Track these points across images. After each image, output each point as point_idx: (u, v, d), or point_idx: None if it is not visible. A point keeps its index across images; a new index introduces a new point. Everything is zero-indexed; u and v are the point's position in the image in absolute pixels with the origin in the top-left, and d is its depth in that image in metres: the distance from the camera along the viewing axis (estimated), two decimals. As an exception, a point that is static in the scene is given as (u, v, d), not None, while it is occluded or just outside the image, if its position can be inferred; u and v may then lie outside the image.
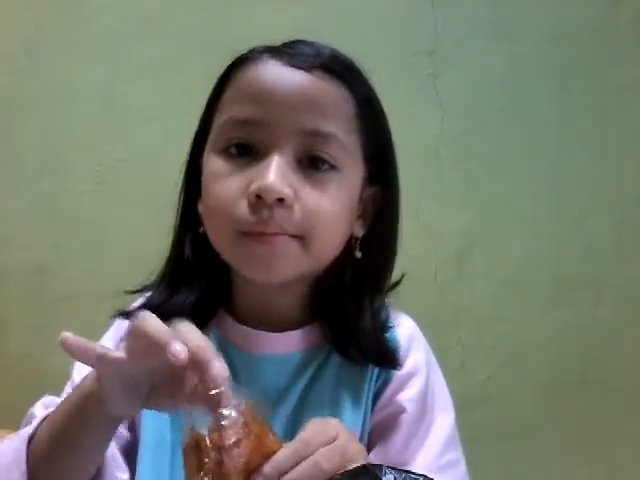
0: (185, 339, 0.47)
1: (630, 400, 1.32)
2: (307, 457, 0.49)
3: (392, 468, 0.48)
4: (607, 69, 1.31)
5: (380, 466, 0.48)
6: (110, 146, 1.28)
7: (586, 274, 1.32)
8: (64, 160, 1.29)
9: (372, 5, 1.30)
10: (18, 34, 1.29)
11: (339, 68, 0.66)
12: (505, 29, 1.31)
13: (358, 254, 0.69)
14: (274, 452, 0.49)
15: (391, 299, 0.75)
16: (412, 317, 0.76)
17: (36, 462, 0.57)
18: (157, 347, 0.47)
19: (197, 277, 0.70)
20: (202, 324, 0.65)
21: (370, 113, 0.68)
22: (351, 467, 0.51)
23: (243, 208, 0.61)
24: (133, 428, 0.66)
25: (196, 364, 0.47)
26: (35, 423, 0.60)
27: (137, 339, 0.49)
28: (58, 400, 0.65)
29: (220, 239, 0.66)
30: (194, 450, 0.48)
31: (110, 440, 0.58)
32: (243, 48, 0.69)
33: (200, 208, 0.69)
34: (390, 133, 0.71)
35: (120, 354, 0.49)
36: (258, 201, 0.60)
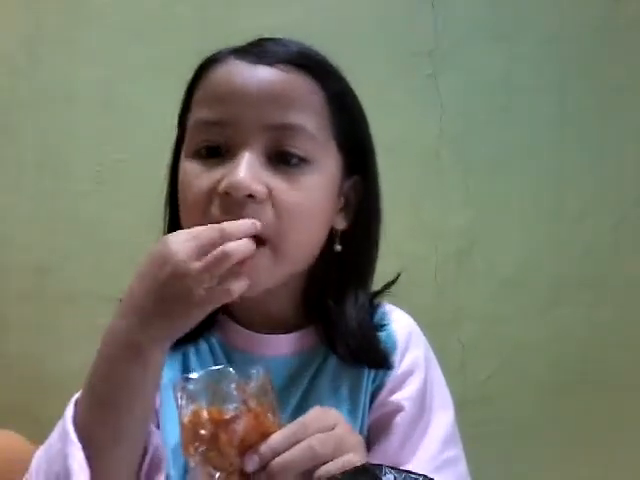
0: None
1: (630, 400, 1.32)
2: (301, 441, 0.50)
3: (392, 468, 0.48)
4: (607, 69, 1.31)
5: (380, 466, 0.48)
6: (110, 146, 1.28)
7: (586, 274, 1.32)
8: (64, 160, 1.29)
9: (372, 5, 1.30)
10: (18, 34, 1.29)
11: (305, 62, 0.65)
12: (505, 29, 1.31)
13: (337, 247, 0.68)
14: (272, 432, 0.50)
15: (387, 298, 0.75)
16: (412, 317, 0.76)
17: (85, 433, 0.55)
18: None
19: None
20: (204, 329, 0.66)
21: (342, 104, 0.67)
22: (348, 455, 0.51)
23: (215, 207, 0.61)
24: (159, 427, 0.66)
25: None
26: (71, 406, 0.58)
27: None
28: None
29: None
30: (192, 423, 0.49)
31: (154, 391, 0.57)
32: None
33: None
34: (367, 124, 0.70)
35: None
36: (228, 199, 0.59)
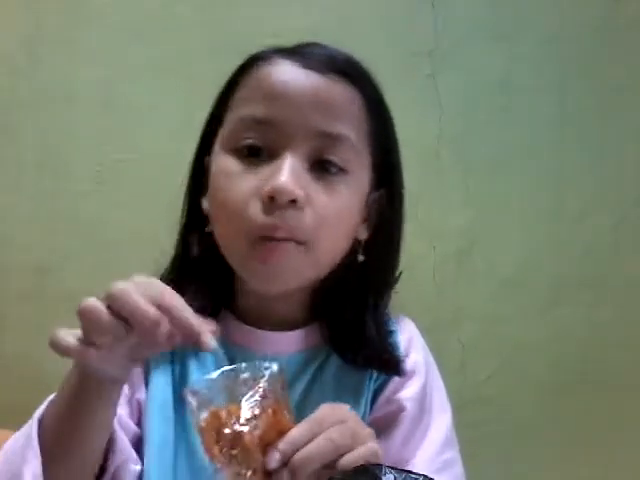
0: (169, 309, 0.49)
1: (630, 400, 1.32)
2: (320, 434, 0.50)
3: (392, 468, 0.48)
4: (607, 69, 1.31)
5: (380, 466, 0.48)
6: (110, 146, 1.28)
7: (586, 274, 1.32)
8: (64, 160, 1.29)
9: (372, 5, 1.30)
10: (18, 34, 1.29)
11: (352, 72, 0.66)
12: (505, 29, 1.31)
13: (360, 258, 0.69)
14: (288, 429, 0.50)
15: (390, 300, 0.75)
16: (412, 317, 0.76)
17: (47, 443, 0.56)
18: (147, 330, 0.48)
19: (203, 277, 0.70)
20: None
21: (380, 118, 0.68)
22: (366, 444, 0.52)
23: (255, 209, 0.61)
24: (139, 424, 0.66)
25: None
26: (43, 406, 0.59)
27: (131, 316, 0.49)
28: None
29: (229, 242, 0.65)
30: (211, 424, 0.48)
31: (114, 407, 0.58)
32: (243, 49, 0.69)
33: (205, 206, 0.68)
34: (397, 139, 0.71)
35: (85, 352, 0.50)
36: (271, 202, 0.60)
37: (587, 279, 1.32)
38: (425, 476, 0.48)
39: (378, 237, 0.71)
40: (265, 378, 0.50)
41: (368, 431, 0.55)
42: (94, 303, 0.49)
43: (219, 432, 0.48)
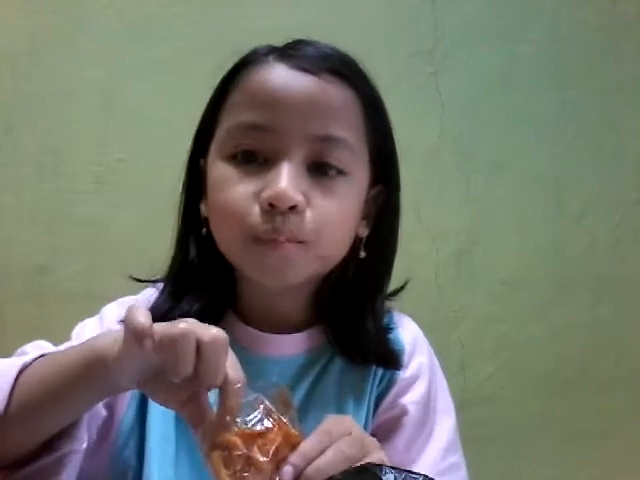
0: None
1: (630, 400, 1.32)
2: (329, 446, 0.50)
3: (392, 467, 0.48)
4: (607, 69, 1.31)
5: (380, 466, 0.48)
6: (110, 146, 1.28)
7: (585, 274, 1.32)
8: (64, 160, 1.29)
9: (372, 5, 1.30)
10: (18, 34, 1.29)
11: (346, 71, 0.65)
12: (505, 29, 1.31)
13: (362, 254, 0.69)
14: (297, 443, 0.50)
15: (393, 301, 0.75)
16: (412, 317, 0.76)
17: (20, 393, 0.55)
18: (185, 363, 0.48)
19: (203, 280, 0.69)
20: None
21: (376, 115, 0.68)
22: (374, 454, 0.52)
23: (255, 214, 0.61)
24: (110, 406, 0.65)
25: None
26: (32, 356, 0.58)
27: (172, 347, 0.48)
28: (51, 346, 0.65)
29: (230, 244, 0.65)
30: (221, 447, 0.48)
31: (97, 402, 0.58)
32: (243, 48, 0.69)
33: (203, 210, 0.68)
34: (393, 134, 0.71)
35: (150, 343, 0.48)
36: (271, 209, 0.60)
37: (587, 279, 1.32)
38: (425, 476, 0.48)
39: (377, 232, 0.70)
40: (268, 397, 0.51)
41: (373, 440, 0.55)
42: (192, 335, 0.48)
43: (228, 456, 0.48)
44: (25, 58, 1.29)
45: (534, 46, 1.31)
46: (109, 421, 0.65)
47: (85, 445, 0.59)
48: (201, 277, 0.69)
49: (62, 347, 0.64)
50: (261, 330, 0.69)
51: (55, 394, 0.55)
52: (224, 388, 0.50)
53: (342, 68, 0.65)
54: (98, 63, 1.28)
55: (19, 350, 0.65)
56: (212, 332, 0.49)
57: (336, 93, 0.64)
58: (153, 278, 0.72)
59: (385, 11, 1.30)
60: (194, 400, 0.51)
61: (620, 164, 1.32)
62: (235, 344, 0.68)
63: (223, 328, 0.65)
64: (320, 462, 0.49)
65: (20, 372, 0.56)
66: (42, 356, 0.59)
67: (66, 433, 0.57)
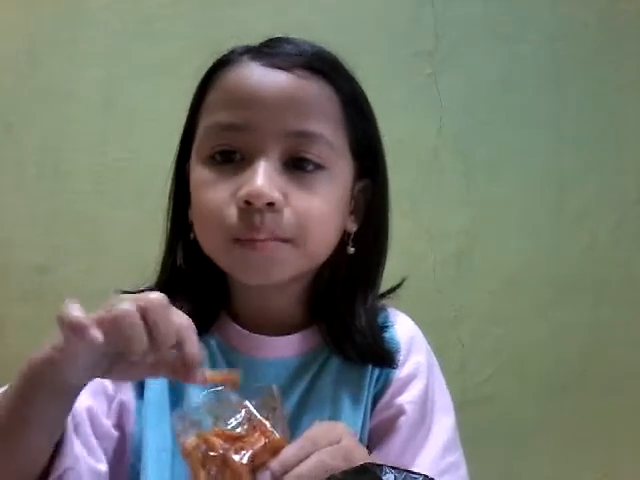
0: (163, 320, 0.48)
1: (630, 400, 1.32)
2: (312, 454, 0.49)
3: (392, 467, 0.48)
4: (607, 69, 1.31)
5: (381, 465, 0.48)
6: (110, 146, 1.28)
7: (586, 274, 1.32)
8: (64, 160, 1.29)
9: (372, 5, 1.30)
10: (18, 34, 1.29)
11: (321, 66, 0.65)
12: (505, 29, 1.31)
13: (351, 250, 0.69)
14: (280, 448, 0.49)
15: (390, 299, 0.75)
16: (411, 317, 0.76)
17: None
18: (121, 332, 0.46)
19: (192, 283, 0.69)
20: (203, 329, 0.65)
21: (356, 109, 0.67)
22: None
23: (232, 215, 0.61)
24: (120, 426, 0.65)
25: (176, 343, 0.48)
26: None
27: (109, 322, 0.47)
28: None
29: (211, 246, 0.65)
30: (197, 448, 0.48)
31: (67, 412, 0.55)
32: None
33: (190, 214, 0.68)
34: (377, 127, 0.70)
35: (97, 334, 0.47)
36: (247, 207, 0.60)
37: (587, 279, 1.32)
38: (425, 476, 0.48)
39: (367, 227, 0.70)
40: (252, 399, 0.50)
41: (363, 452, 0.54)
42: (131, 309, 0.47)
43: (206, 456, 0.48)
44: (25, 58, 1.29)
45: (534, 46, 1.31)
46: (122, 441, 0.65)
47: (82, 462, 0.58)
48: (190, 281, 0.69)
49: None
50: (256, 332, 0.69)
51: (22, 421, 0.53)
52: (180, 336, 0.48)
53: (317, 64, 0.65)
54: (98, 63, 1.28)
55: None
56: (149, 297, 0.48)
57: (311, 89, 0.64)
58: (142, 287, 0.72)
59: (385, 11, 1.29)
60: (163, 360, 0.50)
61: (620, 164, 1.32)
62: (230, 347, 0.68)
63: (217, 331, 0.65)
64: (298, 470, 0.48)
65: None
66: None
67: (57, 452, 0.56)
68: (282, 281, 0.65)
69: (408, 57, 1.29)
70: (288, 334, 0.69)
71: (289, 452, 0.49)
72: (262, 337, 0.69)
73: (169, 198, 0.72)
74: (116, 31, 1.28)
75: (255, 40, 0.69)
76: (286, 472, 0.48)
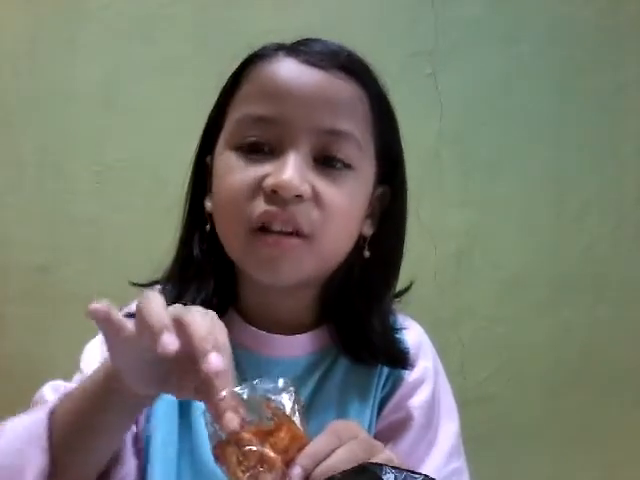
0: (187, 327, 0.46)
1: (630, 400, 1.32)
2: (338, 447, 0.49)
3: (392, 467, 0.48)
4: (607, 69, 1.31)
5: (381, 465, 0.48)
6: (110, 146, 1.28)
7: (586, 274, 1.32)
8: (64, 160, 1.29)
9: (372, 5, 1.30)
10: (18, 34, 1.29)
11: (355, 68, 0.66)
12: (505, 29, 1.31)
13: (367, 254, 0.69)
14: (304, 443, 0.49)
15: (396, 303, 0.75)
16: (412, 317, 0.76)
17: (58, 440, 0.54)
18: (152, 333, 0.45)
19: (205, 276, 0.69)
20: None
21: (383, 113, 0.68)
22: (384, 454, 0.51)
23: (257, 201, 0.61)
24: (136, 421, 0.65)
25: (194, 356, 0.46)
26: (54, 401, 0.57)
27: (138, 321, 0.47)
28: (66, 384, 0.64)
29: (230, 235, 0.65)
30: (232, 444, 0.48)
31: (132, 421, 0.57)
32: (242, 48, 0.69)
33: (207, 206, 0.68)
34: (400, 134, 0.71)
35: (131, 330, 0.47)
36: (274, 196, 0.60)
37: (587, 279, 1.32)
38: (426, 476, 0.48)
39: (383, 232, 0.70)
40: (278, 394, 0.50)
41: (379, 443, 0.54)
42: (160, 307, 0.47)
43: (242, 452, 0.48)
44: (25, 58, 1.29)
45: (534, 46, 1.31)
46: (138, 439, 0.65)
47: (134, 469, 0.60)
48: (202, 274, 0.69)
49: (74, 382, 0.64)
50: (265, 330, 0.68)
51: (90, 430, 0.54)
52: (192, 345, 0.46)
53: (351, 65, 0.65)
54: (98, 63, 1.28)
55: (37, 395, 0.65)
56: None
57: (344, 89, 0.64)
58: (153, 280, 0.72)
59: (385, 11, 1.30)
60: (185, 379, 0.49)
61: (620, 164, 1.32)
62: (237, 344, 0.68)
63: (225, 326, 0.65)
64: (329, 463, 0.48)
65: (50, 428, 0.55)
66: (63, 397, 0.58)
67: (115, 460, 0.57)
68: (291, 282, 0.64)
69: (408, 57, 1.29)
70: (297, 333, 0.69)
71: (317, 446, 0.49)
72: (270, 335, 0.68)
73: (187, 189, 0.71)
74: (116, 31, 1.28)
75: (255, 41, 0.69)
76: (316, 466, 0.48)
